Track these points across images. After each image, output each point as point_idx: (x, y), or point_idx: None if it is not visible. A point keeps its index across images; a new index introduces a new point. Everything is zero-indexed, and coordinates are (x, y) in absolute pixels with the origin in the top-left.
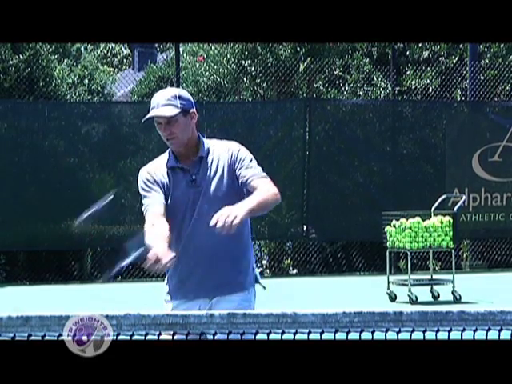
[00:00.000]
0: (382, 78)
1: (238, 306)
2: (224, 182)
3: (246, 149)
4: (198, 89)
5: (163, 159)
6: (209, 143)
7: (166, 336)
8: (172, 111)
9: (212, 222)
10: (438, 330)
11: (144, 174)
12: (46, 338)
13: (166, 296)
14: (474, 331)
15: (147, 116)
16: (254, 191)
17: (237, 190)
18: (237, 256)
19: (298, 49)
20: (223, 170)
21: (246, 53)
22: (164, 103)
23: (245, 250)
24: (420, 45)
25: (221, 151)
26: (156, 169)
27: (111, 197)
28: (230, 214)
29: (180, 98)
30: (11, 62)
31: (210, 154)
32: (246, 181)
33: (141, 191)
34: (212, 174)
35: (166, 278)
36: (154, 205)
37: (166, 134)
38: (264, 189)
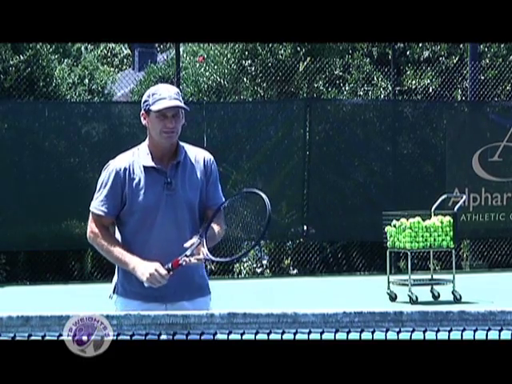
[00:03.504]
0: (382, 77)
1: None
2: (195, 190)
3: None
4: (198, 89)
5: (136, 155)
6: (185, 148)
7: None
8: (183, 105)
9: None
10: (438, 330)
11: (115, 167)
12: (46, 338)
13: (121, 295)
14: (475, 331)
15: (164, 106)
16: (212, 220)
17: (201, 199)
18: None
19: (298, 49)
20: (197, 179)
21: (246, 53)
22: (174, 96)
23: None
24: (420, 45)
25: (196, 159)
26: (131, 165)
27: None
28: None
29: (180, 96)
30: (11, 62)
31: (187, 159)
32: (209, 202)
33: (101, 182)
34: (187, 180)
35: (116, 276)
36: (107, 209)
37: (171, 126)
38: (220, 229)
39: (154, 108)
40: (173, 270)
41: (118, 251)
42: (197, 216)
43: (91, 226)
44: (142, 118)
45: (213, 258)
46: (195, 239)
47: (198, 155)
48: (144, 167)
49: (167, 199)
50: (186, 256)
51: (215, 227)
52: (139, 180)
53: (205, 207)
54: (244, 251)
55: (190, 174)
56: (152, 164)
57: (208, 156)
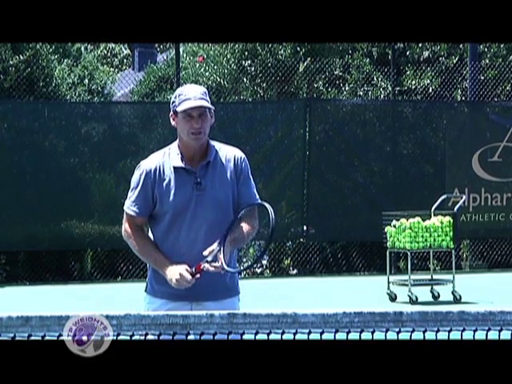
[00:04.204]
0: (382, 78)
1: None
2: (226, 190)
3: (245, 156)
4: None
5: (166, 156)
6: (216, 147)
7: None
8: (209, 105)
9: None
10: (438, 330)
11: (145, 168)
12: (46, 338)
13: (150, 293)
14: (474, 331)
15: (187, 106)
16: (242, 219)
17: (233, 198)
18: (229, 260)
19: (298, 49)
20: (227, 178)
21: (246, 53)
22: (200, 96)
23: (235, 255)
24: (420, 45)
25: (227, 158)
26: (161, 166)
27: None
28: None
29: (208, 95)
30: (11, 62)
31: (217, 158)
32: (241, 200)
33: (133, 182)
34: (217, 180)
35: (148, 276)
36: (138, 209)
37: (197, 127)
38: (250, 228)
39: (179, 109)
40: (197, 274)
41: (149, 253)
42: (230, 215)
43: (125, 225)
44: (171, 120)
45: (226, 268)
46: (215, 246)
47: (228, 154)
48: (174, 168)
49: (197, 199)
50: (207, 262)
51: (244, 226)
52: (169, 181)
53: (238, 206)
54: (251, 262)
55: (221, 174)
56: (181, 164)
57: (239, 154)
